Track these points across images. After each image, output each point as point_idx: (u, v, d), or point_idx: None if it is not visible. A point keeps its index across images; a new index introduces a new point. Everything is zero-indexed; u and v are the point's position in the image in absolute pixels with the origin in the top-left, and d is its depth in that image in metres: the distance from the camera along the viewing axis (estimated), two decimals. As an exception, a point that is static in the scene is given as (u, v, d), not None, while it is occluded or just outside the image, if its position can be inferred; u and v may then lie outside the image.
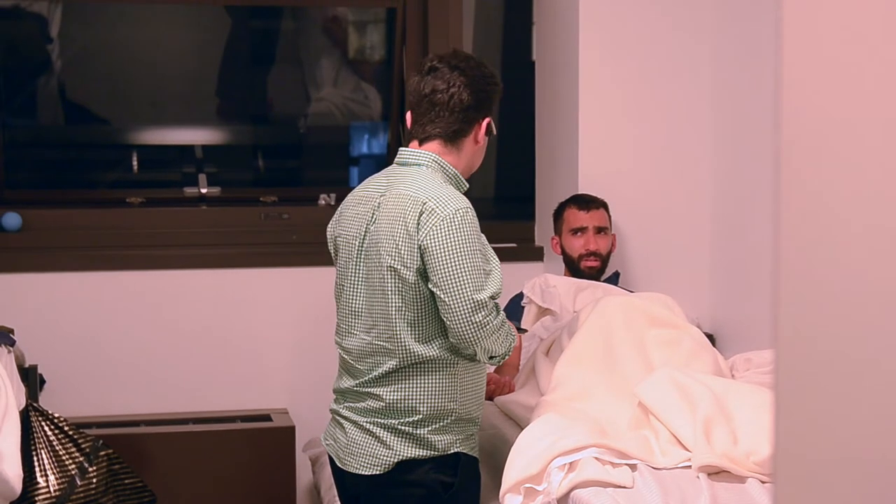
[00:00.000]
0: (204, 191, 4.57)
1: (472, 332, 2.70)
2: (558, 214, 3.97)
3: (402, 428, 2.79)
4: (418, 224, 2.70)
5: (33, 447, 3.47)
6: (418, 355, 2.76)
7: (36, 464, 3.46)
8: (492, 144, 5.03)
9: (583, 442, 2.85)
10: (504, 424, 3.33)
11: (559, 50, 4.27)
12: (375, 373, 2.80)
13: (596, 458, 2.82)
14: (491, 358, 2.81)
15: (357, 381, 2.84)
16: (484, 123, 2.87)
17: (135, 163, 4.92)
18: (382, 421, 2.80)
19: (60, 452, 3.51)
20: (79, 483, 3.51)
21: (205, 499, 3.93)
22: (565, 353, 3.34)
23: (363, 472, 2.83)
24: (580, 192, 3.99)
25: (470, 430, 2.87)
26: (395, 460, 2.80)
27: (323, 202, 4.50)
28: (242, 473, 3.94)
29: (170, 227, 4.34)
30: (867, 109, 1.06)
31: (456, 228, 2.69)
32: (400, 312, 2.75)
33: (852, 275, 1.10)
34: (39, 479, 3.45)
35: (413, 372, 2.78)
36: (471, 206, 2.76)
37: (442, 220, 2.68)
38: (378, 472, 2.81)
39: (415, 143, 2.89)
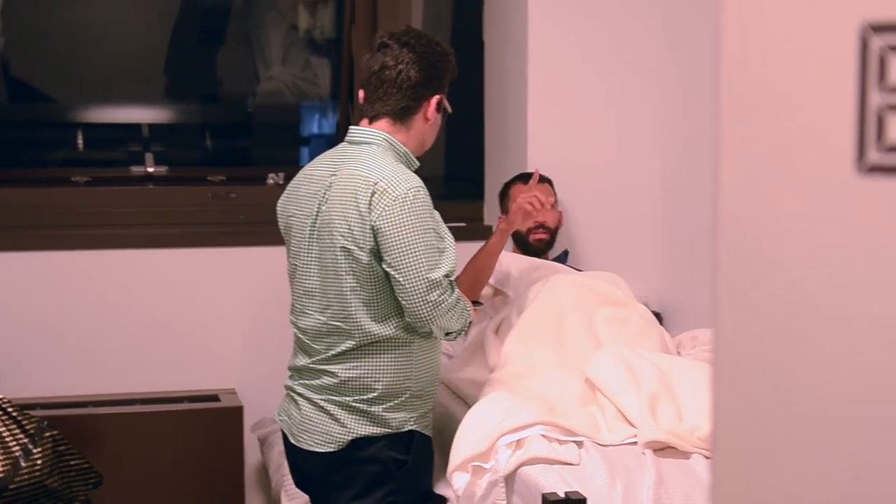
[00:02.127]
0: (151, 170, 4.53)
1: (427, 311, 2.71)
2: (504, 193, 3.97)
3: (357, 405, 2.79)
4: (370, 204, 2.69)
5: (-23, 428, 3.43)
6: (374, 334, 2.76)
7: (-21, 445, 3.42)
8: (441, 124, 5.04)
9: (530, 419, 2.86)
10: (452, 403, 3.34)
11: (509, 29, 4.26)
12: (332, 351, 2.80)
13: (543, 436, 2.84)
14: (447, 334, 2.82)
15: (313, 359, 2.84)
16: (434, 101, 2.86)
17: (80, 141, 4.86)
18: (337, 398, 2.80)
19: (4, 434, 3.48)
20: (23, 465, 3.47)
21: (152, 479, 3.90)
22: (514, 331, 3.35)
23: (317, 450, 2.82)
24: (524, 171, 3.99)
25: (424, 408, 2.89)
26: (350, 438, 2.80)
27: (271, 181, 4.48)
28: (190, 454, 3.92)
29: (116, 206, 4.30)
30: (804, 93, 1.07)
31: (408, 208, 2.69)
32: (354, 292, 2.75)
33: (789, 252, 1.10)
34: (-17, 461, 3.42)
35: (369, 350, 2.79)
36: (423, 186, 2.76)
37: (394, 201, 2.68)
38: (332, 450, 2.81)
39: (365, 121, 2.88)
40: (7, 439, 3.48)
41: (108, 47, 4.89)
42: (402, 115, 2.85)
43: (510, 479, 2.79)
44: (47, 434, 3.55)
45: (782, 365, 1.12)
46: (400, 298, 2.74)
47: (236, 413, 3.97)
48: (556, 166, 4.01)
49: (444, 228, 2.82)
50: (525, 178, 3.92)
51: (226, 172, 4.53)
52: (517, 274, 3.82)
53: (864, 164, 1.00)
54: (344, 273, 2.75)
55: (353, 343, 2.78)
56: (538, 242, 3.89)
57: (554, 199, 3.93)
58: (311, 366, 2.84)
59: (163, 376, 4.13)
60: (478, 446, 2.84)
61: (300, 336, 2.90)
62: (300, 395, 2.87)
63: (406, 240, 2.69)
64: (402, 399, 2.83)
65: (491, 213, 4.47)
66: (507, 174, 4.13)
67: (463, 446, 2.86)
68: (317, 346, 2.83)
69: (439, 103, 2.89)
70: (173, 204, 4.32)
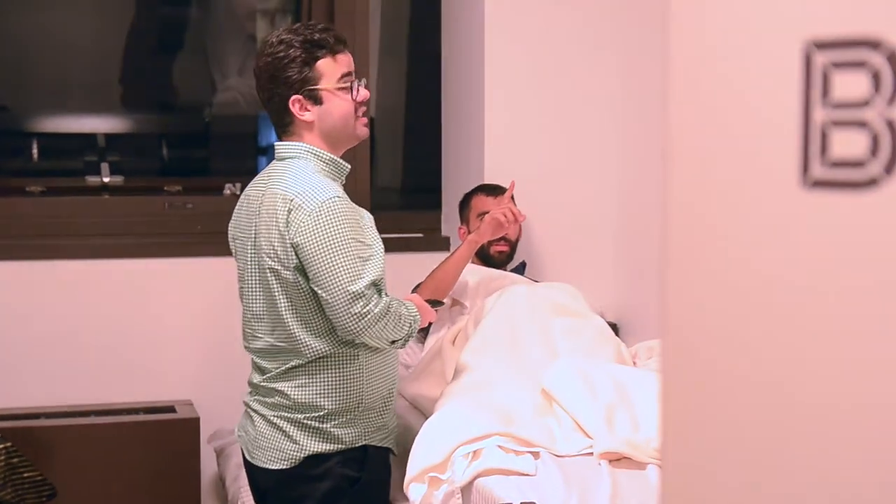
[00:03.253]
0: (106, 180, 4.50)
1: (353, 324, 2.65)
2: (465, 203, 3.98)
3: (309, 423, 2.77)
4: (287, 222, 2.65)
5: (-72, 441, 3.40)
6: (318, 350, 2.74)
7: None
8: (398, 135, 5.04)
9: (486, 430, 2.87)
10: (409, 413, 3.34)
11: (465, 42, 4.28)
12: (281, 370, 2.78)
13: (499, 447, 2.84)
14: (392, 343, 2.79)
15: (265, 377, 2.82)
16: (291, 104, 2.74)
17: (35, 151, 4.83)
18: (289, 415, 2.79)
19: (-44, 446, 3.45)
20: (-24, 477, 3.44)
21: (108, 492, 3.88)
22: (471, 342, 3.36)
23: (270, 466, 2.81)
24: (485, 183, 4.01)
25: (380, 422, 2.85)
26: (302, 455, 2.78)
27: (228, 192, 4.46)
28: (146, 466, 3.89)
29: (71, 216, 4.27)
30: (749, 108, 1.09)
31: (323, 221, 2.62)
32: (290, 312, 2.73)
33: (735, 264, 1.12)
34: (-65, 474, 3.38)
35: (316, 368, 2.76)
36: (340, 195, 2.68)
37: (308, 215, 2.63)
38: (285, 467, 2.80)
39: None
40: (-41, 452, 3.45)
41: (64, 55, 4.86)
42: (285, 127, 2.79)
43: (467, 489, 2.80)
44: (0, 446, 3.52)
45: (729, 375, 1.13)
46: (327, 313, 2.69)
47: (193, 424, 3.94)
48: (511, 176, 4.01)
49: (371, 235, 2.75)
50: (487, 189, 3.93)
51: (182, 183, 4.51)
52: (474, 285, 3.83)
53: (809, 179, 1.02)
54: (277, 294, 2.73)
55: (300, 361, 2.76)
56: (499, 255, 3.90)
57: None
58: (263, 384, 2.82)
59: (118, 388, 4.10)
60: (434, 457, 2.84)
61: (253, 356, 2.89)
62: (256, 411, 2.86)
63: (323, 254, 2.62)
64: (354, 414, 2.79)
65: (448, 223, 4.48)
66: (465, 185, 4.14)
67: (419, 457, 2.87)
68: (268, 365, 2.81)
69: (306, 98, 2.74)
70: (129, 214, 4.30)
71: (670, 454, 1.23)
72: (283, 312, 2.72)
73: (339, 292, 2.63)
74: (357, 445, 2.81)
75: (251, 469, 2.90)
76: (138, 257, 4.15)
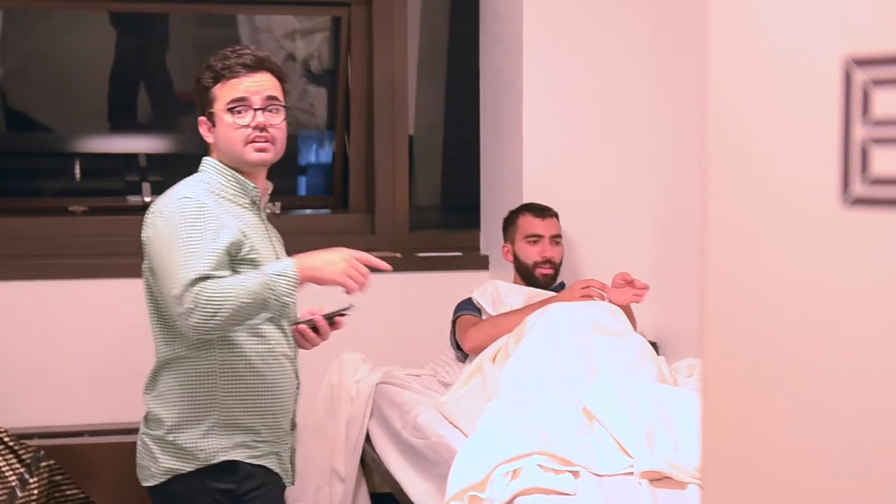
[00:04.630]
0: (147, 199, 4.54)
1: (191, 326, 2.45)
2: (510, 222, 3.98)
3: (164, 437, 2.67)
4: (145, 224, 2.63)
5: (-28, 459, 3.43)
6: (167, 359, 2.67)
7: (-25, 476, 3.42)
8: (436, 154, 5.05)
9: (526, 449, 2.86)
10: (448, 432, 3.34)
11: (504, 59, 4.29)
12: (148, 378, 2.73)
13: (539, 466, 2.83)
14: (282, 321, 2.65)
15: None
16: (200, 123, 2.76)
17: (77, 171, 4.88)
18: (150, 431, 2.70)
19: (0, 464, 3.47)
20: (19, 495, 3.47)
21: (148, 510, 3.89)
22: (511, 360, 3.36)
23: (144, 484, 2.75)
24: (532, 201, 4.00)
25: (242, 438, 2.68)
26: (162, 471, 2.68)
27: (268, 210, 4.48)
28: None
29: (113, 235, 4.30)
30: (789, 126, 1.08)
31: (160, 222, 2.55)
32: (152, 314, 2.69)
33: (775, 283, 1.11)
34: (-21, 491, 3.41)
35: (168, 380, 2.67)
36: (191, 197, 2.57)
37: (151, 214, 2.60)
38: (153, 484, 2.71)
39: None
40: (3, 469, 3.48)
41: (105, 77, 4.91)
42: (207, 145, 2.79)
43: (506, 508, 2.79)
44: (44, 464, 3.55)
45: (770, 395, 1.12)
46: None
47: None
48: (550, 195, 4.02)
49: (221, 227, 2.56)
50: (534, 210, 3.93)
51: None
52: (515, 303, 3.83)
53: (849, 197, 1.01)
54: (147, 297, 2.70)
55: (155, 368, 2.70)
56: (545, 277, 3.91)
57: (560, 232, 3.95)
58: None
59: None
60: (474, 476, 2.83)
61: None
62: (138, 429, 2.79)
63: (155, 255, 2.55)
64: (206, 428, 2.65)
65: (487, 242, 4.48)
66: (504, 203, 4.14)
67: (459, 476, 2.86)
68: None
69: (207, 120, 2.73)
70: (170, 233, 4.33)
71: (711, 474, 1.22)
72: (151, 318, 2.70)
73: (168, 297, 2.49)
74: (217, 461, 2.66)
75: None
76: (179, 276, 4.17)
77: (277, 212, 4.46)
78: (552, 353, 3.35)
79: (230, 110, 2.69)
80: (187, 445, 2.65)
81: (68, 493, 3.63)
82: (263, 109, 2.71)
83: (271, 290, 2.47)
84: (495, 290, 3.92)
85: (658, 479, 2.85)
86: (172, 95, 5.06)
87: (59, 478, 3.60)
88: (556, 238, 3.93)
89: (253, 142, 2.69)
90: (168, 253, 2.50)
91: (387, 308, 4.34)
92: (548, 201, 3.97)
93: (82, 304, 4.11)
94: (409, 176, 4.58)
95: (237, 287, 2.45)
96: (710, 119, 1.15)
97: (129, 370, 4.13)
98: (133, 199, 4.55)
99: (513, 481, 2.80)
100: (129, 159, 4.93)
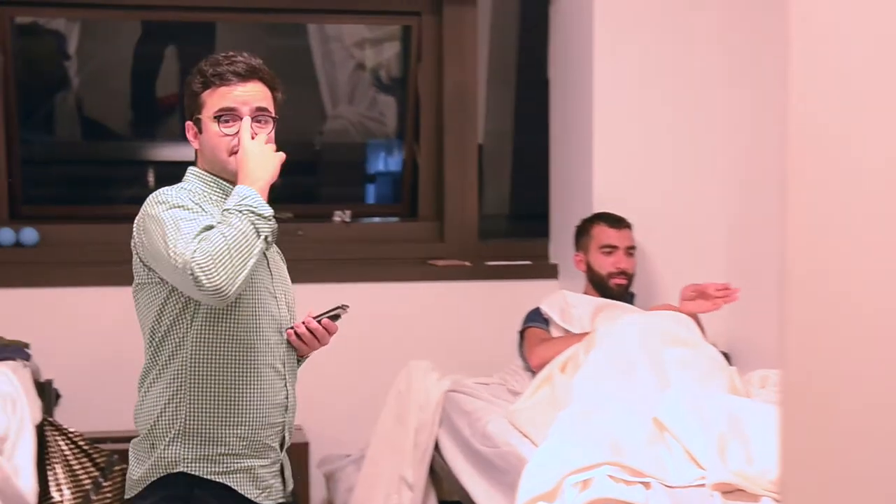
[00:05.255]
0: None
1: (211, 291, 2.38)
2: (584, 231, 3.96)
3: (144, 445, 2.61)
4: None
5: (48, 462, 3.48)
6: (146, 369, 2.64)
7: (51, 478, 3.47)
8: (506, 162, 5.05)
9: (597, 459, 2.84)
10: (518, 441, 3.33)
11: (574, 68, 4.27)
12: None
13: (610, 476, 2.81)
14: (254, 247, 2.45)
15: None
16: (187, 127, 2.67)
17: (151, 178, 4.94)
18: (134, 441, 2.66)
19: (75, 467, 3.52)
20: (93, 498, 3.51)
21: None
22: (582, 370, 3.35)
23: (126, 496, 2.67)
24: (605, 211, 3.98)
25: (207, 451, 2.56)
26: (139, 485, 2.59)
27: (338, 219, 4.51)
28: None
29: (185, 243, 4.35)
30: (871, 130, 1.07)
31: (147, 212, 2.50)
32: (142, 315, 2.64)
33: (858, 290, 1.10)
34: (54, 494, 3.46)
35: (146, 389, 2.63)
36: (178, 203, 2.49)
37: (147, 211, 2.52)
38: (131, 496, 2.63)
39: None
40: (78, 472, 3.53)
41: (177, 86, 4.97)
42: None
43: (576, 519, 2.78)
44: (117, 468, 3.59)
45: (851, 406, 1.11)
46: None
47: (302, 449, 3.98)
48: (621, 204, 4.00)
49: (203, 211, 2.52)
50: (609, 220, 3.91)
51: (293, 209, 4.58)
52: (584, 314, 3.81)
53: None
54: (136, 304, 2.66)
55: (141, 374, 2.66)
56: (618, 287, 3.89)
57: (634, 243, 3.93)
58: None
59: (230, 412, 4.15)
60: (544, 486, 2.82)
61: None
62: None
63: (151, 235, 2.47)
64: (172, 436, 2.55)
65: (556, 251, 4.47)
66: (574, 212, 4.13)
67: (529, 486, 2.85)
68: None
69: (194, 125, 2.64)
70: (241, 241, 4.37)
71: (790, 488, 1.20)
72: (141, 324, 2.66)
73: (172, 268, 2.42)
74: (175, 471, 2.54)
75: None
76: (250, 283, 4.21)
77: (347, 220, 4.50)
78: (623, 364, 3.34)
79: (217, 118, 2.59)
80: (154, 453, 2.56)
81: (141, 496, 3.67)
82: (252, 120, 2.61)
83: (251, 212, 2.43)
84: (563, 300, 3.90)
85: (730, 492, 2.82)
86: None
87: (131, 482, 3.64)
88: (631, 249, 3.91)
89: (235, 153, 2.59)
90: (158, 242, 2.43)
91: (456, 316, 4.35)
92: (618, 210, 3.95)
93: (155, 310, 4.15)
94: (479, 184, 4.58)
95: (224, 233, 2.39)
96: (791, 123, 1.13)
97: (201, 376, 4.17)
98: (205, 207, 4.60)
99: (583, 492, 2.78)
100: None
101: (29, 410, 3.35)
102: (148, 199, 2.56)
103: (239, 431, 2.56)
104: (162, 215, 2.45)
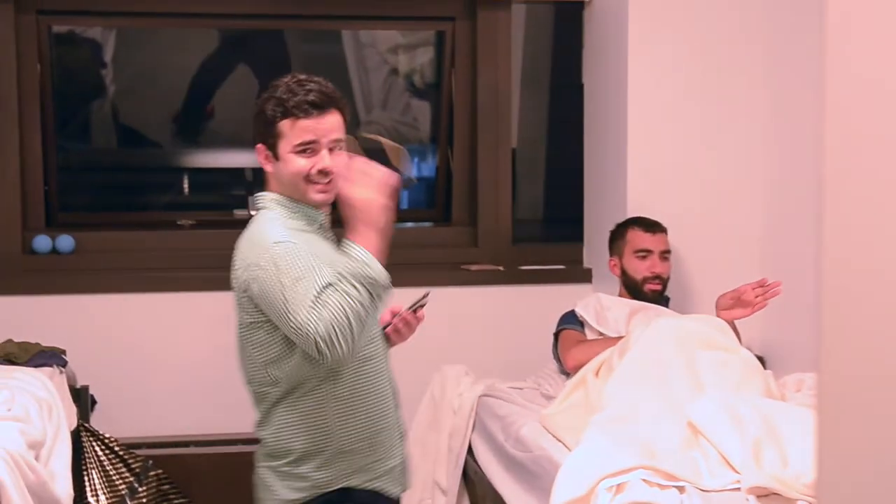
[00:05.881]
0: (254, 213, 4.60)
1: (335, 359, 2.50)
2: (619, 235, 3.94)
3: (283, 468, 2.70)
4: (237, 268, 2.63)
5: (84, 467, 3.50)
6: (278, 398, 2.68)
7: (87, 483, 3.49)
8: (539, 167, 5.04)
9: (630, 463, 2.83)
10: (552, 445, 3.32)
11: (608, 72, 4.26)
12: (259, 416, 2.74)
13: (644, 480, 2.80)
14: (364, 316, 2.55)
15: (255, 424, 2.80)
16: (258, 150, 2.71)
17: (186, 186, 4.96)
18: (268, 463, 2.73)
19: (111, 472, 3.54)
20: (129, 503, 3.53)
21: (253, 519, 3.93)
22: (615, 374, 3.34)
23: None
24: (639, 215, 3.96)
25: (360, 462, 2.70)
26: (287, 502, 2.69)
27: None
28: (291, 494, 3.94)
29: (220, 248, 4.33)
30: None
31: (262, 275, 2.54)
32: (256, 355, 2.67)
33: (895, 296, 1.09)
34: (90, 499, 3.48)
35: (284, 411, 2.68)
36: (283, 241, 2.56)
37: (249, 270, 2.58)
38: None
39: None
40: (114, 477, 3.55)
41: (212, 93, 4.99)
42: (264, 175, 2.76)
43: (610, 523, 2.77)
44: (152, 473, 3.61)
45: (888, 411, 1.10)
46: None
47: (336, 454, 3.98)
48: (655, 208, 3.99)
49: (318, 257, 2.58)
50: (644, 224, 3.90)
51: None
52: (619, 317, 3.80)
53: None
54: (243, 340, 2.70)
55: (267, 406, 2.70)
56: (653, 292, 3.88)
57: (669, 248, 3.92)
58: (255, 432, 2.80)
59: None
60: (578, 490, 2.81)
61: None
62: (257, 459, 2.81)
63: (268, 291, 2.53)
64: (326, 456, 2.67)
65: (591, 255, 4.46)
66: (608, 217, 4.12)
67: (563, 490, 2.84)
68: (254, 410, 2.79)
69: (267, 150, 2.69)
70: (276, 247, 4.38)
71: (826, 491, 1.19)
72: (251, 357, 2.69)
73: (296, 336, 2.52)
74: (332, 489, 2.68)
75: None
76: (284, 289, 4.22)
77: (381, 225, 4.50)
78: (657, 368, 3.32)
79: (299, 152, 2.66)
80: (307, 475, 2.67)
81: (175, 502, 3.69)
82: (329, 150, 2.67)
83: (372, 283, 2.53)
84: (598, 303, 3.89)
85: (765, 496, 2.80)
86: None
87: (166, 487, 3.66)
88: (665, 253, 3.90)
89: (316, 183, 2.67)
90: (277, 301, 2.51)
91: (489, 321, 4.34)
92: (652, 214, 3.94)
93: (189, 316, 4.18)
94: (513, 189, 4.57)
95: (344, 306, 2.47)
96: (827, 125, 1.12)
97: (235, 382, 4.18)
98: (239, 213, 4.62)
99: (617, 496, 2.77)
100: (236, 173, 5.01)
101: (65, 416, 3.37)
102: (252, 242, 2.60)
103: (377, 438, 2.71)
104: (277, 270, 2.51)
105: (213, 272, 4.25)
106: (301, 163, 2.65)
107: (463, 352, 4.19)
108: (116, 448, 3.58)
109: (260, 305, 2.59)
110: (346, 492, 2.69)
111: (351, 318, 2.48)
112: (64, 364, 3.76)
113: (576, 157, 4.56)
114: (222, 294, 4.16)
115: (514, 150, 4.70)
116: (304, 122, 2.65)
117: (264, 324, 2.62)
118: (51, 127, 4.37)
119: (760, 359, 3.67)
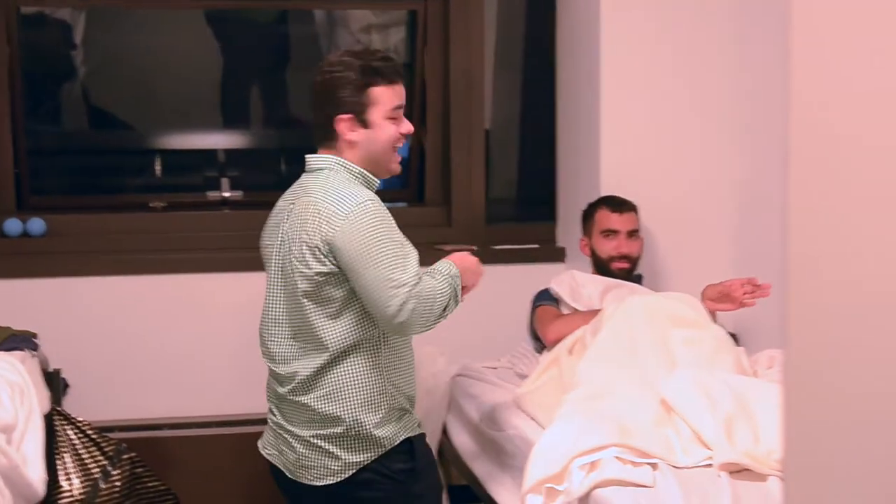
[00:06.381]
0: (227, 195, 4.59)
1: (398, 322, 2.68)
2: (588, 215, 3.95)
3: (346, 434, 2.76)
4: (321, 228, 2.68)
5: (57, 451, 3.49)
6: (329, 360, 2.74)
7: (60, 468, 3.48)
8: (513, 147, 5.03)
9: (604, 441, 2.84)
10: (525, 424, 3.33)
11: (581, 52, 4.26)
12: (298, 379, 2.77)
13: (617, 458, 2.81)
14: (442, 317, 2.80)
15: (287, 388, 2.82)
16: (339, 123, 2.78)
17: (158, 167, 4.94)
18: (324, 432, 2.77)
19: (84, 456, 3.53)
20: (102, 487, 3.52)
21: (227, 502, 3.93)
22: (588, 352, 3.34)
23: (318, 483, 2.81)
24: (611, 194, 3.96)
25: (408, 417, 2.86)
26: (350, 469, 2.78)
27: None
28: (264, 476, 3.93)
29: (193, 231, 4.35)
30: (873, 114, 1.06)
31: (360, 222, 2.65)
32: (315, 314, 2.73)
33: (859, 274, 1.09)
34: (63, 483, 3.47)
35: (336, 375, 2.75)
36: (373, 199, 2.71)
37: (345, 218, 2.66)
38: (333, 482, 2.79)
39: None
40: (87, 461, 3.53)
41: (184, 74, 4.96)
42: (325, 145, 2.83)
43: (584, 501, 2.78)
44: (125, 456, 3.60)
45: (852, 385, 1.10)
46: (370, 310, 2.71)
47: (311, 435, 3.98)
48: (628, 187, 3.99)
49: (402, 236, 2.78)
50: (611, 203, 3.90)
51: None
52: (593, 293, 3.81)
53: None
54: (303, 296, 2.74)
55: (316, 366, 2.75)
56: (620, 271, 3.88)
57: (639, 226, 3.92)
58: (290, 398, 2.82)
59: (238, 399, 4.16)
60: (551, 468, 2.82)
61: (269, 364, 2.88)
62: (289, 432, 2.84)
63: (363, 252, 2.65)
64: (383, 414, 2.78)
65: (564, 234, 4.47)
66: (580, 196, 4.12)
67: (537, 468, 2.85)
68: (284, 373, 2.81)
69: (353, 120, 2.78)
70: (249, 228, 4.33)
71: (793, 466, 1.20)
72: (309, 316, 2.74)
73: (381, 288, 2.65)
74: (397, 443, 2.81)
75: (294, 486, 2.88)
76: (259, 270, 4.20)
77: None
78: (629, 345, 3.33)
79: (390, 118, 2.79)
80: (370, 435, 2.76)
81: (149, 485, 3.68)
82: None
83: (454, 288, 2.80)
84: (573, 279, 3.89)
85: (738, 472, 2.82)
86: (250, 91, 5.10)
87: (140, 470, 3.65)
88: (634, 233, 3.90)
89: (395, 152, 2.84)
90: (376, 253, 2.65)
91: (463, 301, 4.34)
92: (625, 193, 3.94)
93: (161, 299, 4.16)
94: (486, 169, 4.57)
95: (435, 295, 2.73)
96: (793, 107, 1.13)
97: (207, 363, 4.18)
98: (212, 195, 4.60)
99: (591, 473, 2.79)
100: (208, 155, 4.98)
101: (37, 400, 3.36)
102: (337, 196, 2.69)
103: (413, 391, 2.89)
104: (376, 241, 2.65)
105: (185, 254, 4.24)
106: (392, 128, 2.79)
107: (436, 332, 4.16)
108: (89, 432, 3.56)
109: (342, 258, 2.66)
110: (408, 442, 2.83)
111: (436, 303, 2.72)
112: (35, 348, 3.74)
113: (549, 138, 4.56)
114: (194, 276, 4.18)
115: (488, 130, 4.70)
116: (396, 87, 2.80)
117: (336, 274, 2.69)
118: (20, 109, 4.34)
119: (733, 335, 3.68)
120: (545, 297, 3.88)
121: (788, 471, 1.22)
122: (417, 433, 2.88)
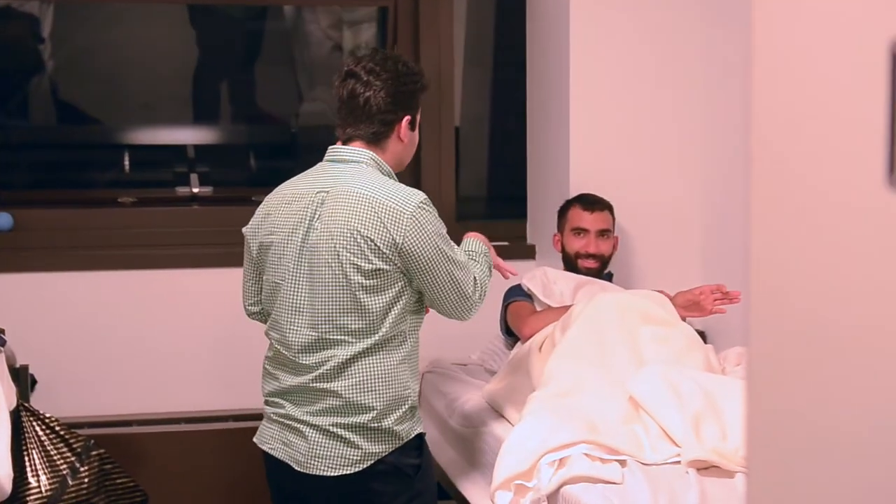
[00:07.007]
0: (196, 190, 4.57)
1: (476, 309, 2.93)
2: (563, 212, 3.95)
3: (368, 425, 2.79)
4: (387, 224, 2.72)
5: (24, 447, 3.47)
6: (361, 350, 2.77)
7: (27, 464, 3.46)
8: (482, 144, 5.05)
9: (573, 438, 2.85)
10: (495, 421, 3.34)
11: (551, 49, 4.27)
12: (326, 367, 2.78)
13: (586, 455, 2.83)
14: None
15: (305, 378, 2.81)
16: (404, 122, 2.89)
17: (127, 163, 4.92)
18: (344, 420, 2.78)
19: (52, 452, 3.51)
20: (70, 483, 3.51)
21: (197, 499, 3.93)
22: (557, 349, 3.35)
23: (331, 474, 2.81)
24: (586, 192, 3.97)
25: (417, 412, 2.94)
26: (367, 459, 2.80)
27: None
28: (235, 473, 3.94)
29: (162, 226, 4.34)
30: (834, 109, 1.07)
31: (427, 226, 2.78)
32: (353, 303, 2.75)
33: (819, 266, 1.10)
34: (31, 479, 3.45)
35: (364, 366, 2.78)
36: (426, 196, 2.84)
37: (411, 220, 2.74)
38: (349, 472, 2.81)
39: (339, 143, 2.90)
40: (55, 457, 3.52)
41: (153, 70, 4.95)
42: (374, 139, 2.88)
43: (553, 497, 2.79)
44: (94, 453, 3.58)
45: (815, 381, 1.11)
46: (444, 305, 2.86)
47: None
48: (597, 185, 4.00)
49: None
50: (585, 202, 3.90)
51: (269, 192, 4.55)
52: (564, 289, 3.81)
53: (895, 179, 1.00)
54: (341, 287, 2.75)
55: (346, 356, 2.77)
56: (588, 270, 3.88)
57: (612, 226, 3.92)
58: (309, 385, 2.82)
59: (208, 395, 4.16)
60: (521, 465, 2.83)
61: (284, 353, 2.85)
62: (303, 422, 2.83)
63: (436, 255, 2.78)
64: (405, 409, 2.84)
65: (534, 231, 4.47)
66: (550, 194, 4.13)
67: (506, 465, 2.86)
68: (307, 363, 2.81)
69: (410, 122, 2.91)
70: (218, 224, 4.36)
71: (756, 463, 1.21)
72: (346, 304, 2.76)
73: (460, 281, 2.84)
74: (412, 437, 2.87)
75: (301, 480, 2.86)
76: (228, 266, 4.19)
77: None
78: (599, 342, 3.34)
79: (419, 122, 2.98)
80: (392, 428, 2.81)
81: (118, 481, 3.67)
82: None
83: (489, 266, 3.07)
84: (545, 276, 3.90)
85: (705, 468, 2.84)
86: (219, 87, 5.09)
87: (108, 466, 3.63)
88: (605, 232, 3.90)
89: None
90: (446, 260, 2.80)
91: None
92: (594, 191, 3.95)
93: (130, 294, 4.15)
94: (456, 166, 4.57)
95: (486, 276, 2.99)
96: (754, 104, 1.14)
97: (177, 359, 4.16)
98: (181, 190, 4.59)
99: (559, 470, 2.80)
100: (178, 151, 4.97)
101: (4, 396, 3.33)
102: (396, 193, 2.78)
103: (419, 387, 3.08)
104: (443, 238, 2.81)
105: (154, 249, 4.23)
106: (416, 136, 2.98)
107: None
108: (57, 428, 3.54)
109: (411, 261, 2.75)
110: (419, 437, 2.91)
111: (487, 283, 2.99)
112: (3, 343, 3.72)
113: (519, 135, 4.56)
114: (163, 272, 4.17)
115: (457, 128, 4.70)
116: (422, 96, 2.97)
117: (389, 272, 2.75)
118: (-12, 104, 4.31)
119: (701, 333, 3.70)
120: (518, 293, 3.89)
121: (752, 468, 1.23)
122: (423, 431, 2.94)
